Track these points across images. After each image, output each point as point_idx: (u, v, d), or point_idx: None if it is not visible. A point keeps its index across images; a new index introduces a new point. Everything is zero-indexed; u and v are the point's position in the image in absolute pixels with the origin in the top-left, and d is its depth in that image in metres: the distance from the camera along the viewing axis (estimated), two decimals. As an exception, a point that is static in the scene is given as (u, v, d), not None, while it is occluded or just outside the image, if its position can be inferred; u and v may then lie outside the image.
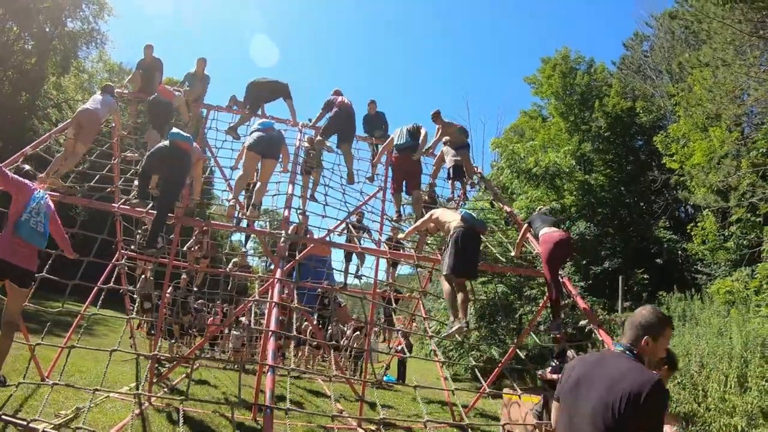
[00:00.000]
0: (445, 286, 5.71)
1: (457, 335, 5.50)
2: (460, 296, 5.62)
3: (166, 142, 5.95)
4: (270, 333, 4.94)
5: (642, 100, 21.39)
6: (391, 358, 12.60)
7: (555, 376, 6.09)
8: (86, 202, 6.48)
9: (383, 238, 8.84)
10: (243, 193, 7.70)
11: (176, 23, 68.15)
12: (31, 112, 22.83)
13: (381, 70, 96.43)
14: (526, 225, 6.83)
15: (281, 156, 7.21)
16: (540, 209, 7.30)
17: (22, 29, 23.07)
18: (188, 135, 6.15)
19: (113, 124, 8.31)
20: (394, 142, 7.72)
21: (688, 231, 16.71)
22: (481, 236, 6.03)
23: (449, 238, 5.66)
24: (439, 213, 6.25)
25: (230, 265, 10.25)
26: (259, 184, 6.82)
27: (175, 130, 6.11)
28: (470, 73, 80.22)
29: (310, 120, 9.14)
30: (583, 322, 6.14)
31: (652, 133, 19.89)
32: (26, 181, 4.89)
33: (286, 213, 7.06)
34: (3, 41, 22.67)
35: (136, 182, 6.87)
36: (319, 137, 8.16)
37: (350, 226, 9.22)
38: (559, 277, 6.31)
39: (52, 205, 5.01)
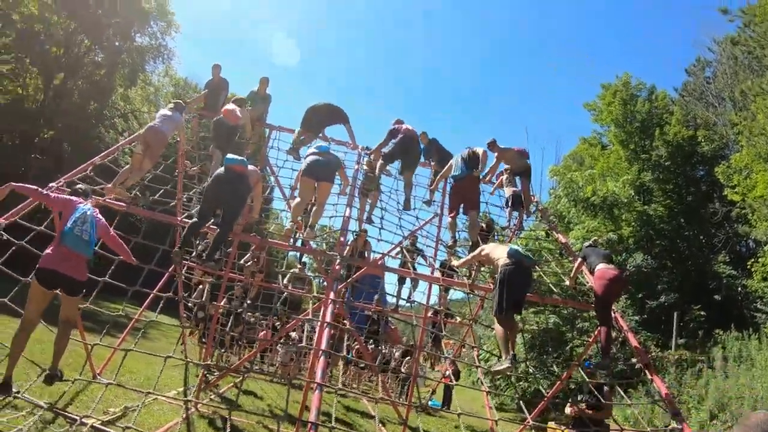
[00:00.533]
0: (497, 326, 5.67)
1: (506, 372, 5.45)
2: (511, 332, 5.62)
3: (222, 168, 6.06)
4: (320, 352, 5.02)
5: (704, 128, 20.62)
6: (437, 384, 12.40)
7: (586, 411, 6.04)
8: (149, 214, 6.66)
9: (437, 264, 8.75)
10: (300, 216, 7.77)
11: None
12: (99, 121, 24.04)
13: (435, 96, 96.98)
14: (580, 259, 6.67)
15: (340, 178, 7.24)
16: (594, 239, 7.18)
17: (93, 42, 24.43)
18: (242, 158, 6.24)
19: (178, 139, 8.55)
20: (452, 172, 7.67)
21: (749, 267, 15.91)
22: (531, 270, 5.94)
23: (497, 276, 5.63)
24: (489, 249, 6.19)
25: (287, 277, 10.35)
26: (316, 206, 6.83)
27: (230, 156, 6.20)
28: (529, 100, 79.80)
29: (368, 148, 9.23)
30: (633, 360, 6.01)
31: (714, 162, 19.12)
32: (72, 197, 5.01)
33: (342, 236, 7.14)
34: (75, 53, 24.08)
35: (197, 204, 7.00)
36: (381, 161, 8.13)
37: (404, 249, 9.19)
38: (612, 312, 6.20)
39: (101, 218, 5.07)
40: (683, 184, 20.10)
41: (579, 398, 6.31)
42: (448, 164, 7.95)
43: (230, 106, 8.04)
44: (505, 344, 5.51)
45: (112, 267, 5.73)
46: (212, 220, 6.34)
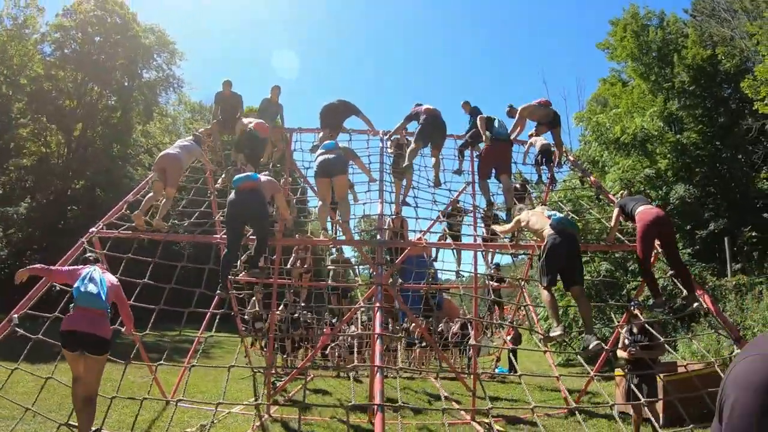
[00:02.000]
0: (544, 294, 5.65)
1: (559, 339, 5.68)
2: (580, 307, 5.63)
3: (232, 192, 6.16)
4: (376, 336, 5.15)
5: (722, 45, 19.74)
6: (500, 351, 12.42)
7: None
8: (189, 238, 6.93)
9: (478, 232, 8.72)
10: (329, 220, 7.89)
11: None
12: (125, 161, 24.74)
13: (442, 63, 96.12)
14: (617, 209, 6.58)
15: (357, 167, 7.38)
16: (622, 192, 7.15)
17: (102, 88, 25.13)
18: (249, 174, 6.35)
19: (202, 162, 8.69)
20: (494, 128, 7.65)
21: (793, 178, 15.29)
22: (576, 237, 5.79)
23: (543, 246, 5.59)
24: (527, 217, 6.13)
25: (329, 260, 10.51)
26: (339, 203, 6.88)
27: (237, 176, 6.32)
28: (541, 50, 78.18)
29: (387, 132, 9.27)
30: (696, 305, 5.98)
31: (738, 78, 18.25)
32: (77, 266, 5.07)
33: (380, 220, 7.25)
34: (88, 101, 24.81)
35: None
36: (413, 145, 8.14)
37: (445, 215, 9.32)
38: (677, 257, 6.23)
39: (114, 280, 5.09)
40: (712, 107, 19.37)
41: (630, 340, 6.27)
42: (485, 118, 7.92)
43: (256, 120, 8.25)
44: (554, 312, 5.57)
45: (164, 295, 5.96)
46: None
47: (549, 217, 5.77)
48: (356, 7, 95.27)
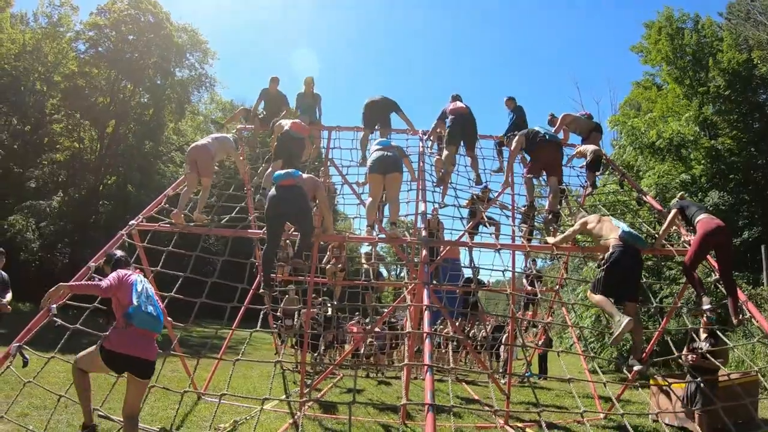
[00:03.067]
0: (596, 299, 5.45)
1: (628, 330, 5.17)
2: (633, 327, 5.31)
3: (272, 188, 6.05)
4: (425, 335, 4.93)
5: (758, 49, 19.39)
6: (532, 354, 12.34)
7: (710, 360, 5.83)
8: (231, 233, 6.95)
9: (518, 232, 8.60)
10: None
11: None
12: (157, 158, 25.17)
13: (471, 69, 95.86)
14: (675, 209, 6.35)
15: (406, 169, 7.11)
16: (682, 194, 6.92)
17: (135, 85, 25.60)
18: (289, 170, 6.22)
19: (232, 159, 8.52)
20: (540, 133, 7.46)
21: (829, 186, 14.92)
22: (641, 255, 5.62)
23: (606, 255, 5.41)
24: (594, 223, 5.91)
25: (363, 257, 10.45)
26: (390, 202, 6.79)
27: (276, 172, 6.23)
28: (573, 55, 77.57)
29: (425, 132, 9.23)
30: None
31: (774, 83, 18.00)
32: (119, 272, 4.43)
33: (419, 222, 7.23)
34: (120, 99, 25.32)
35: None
36: (445, 151, 7.97)
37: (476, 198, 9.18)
38: (731, 275, 5.97)
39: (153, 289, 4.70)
40: (747, 112, 18.98)
41: (696, 345, 6.16)
42: (516, 140, 7.69)
43: (292, 120, 7.98)
44: (610, 309, 5.31)
45: (206, 289, 6.00)
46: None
47: (617, 227, 5.59)
48: (378, 6, 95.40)
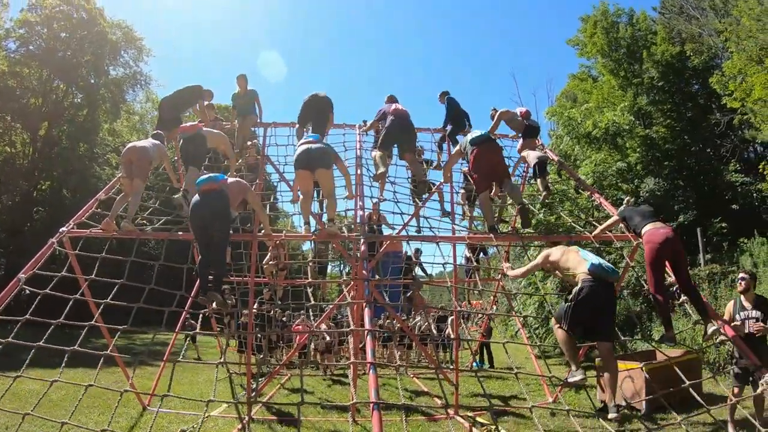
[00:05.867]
0: (559, 334, 5.08)
1: (580, 384, 4.98)
2: (607, 368, 5.05)
3: (196, 196, 5.68)
4: (367, 332, 4.86)
5: (690, 41, 20.28)
6: (478, 344, 12.46)
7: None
8: (166, 236, 6.64)
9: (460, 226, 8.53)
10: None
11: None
12: (92, 161, 24.10)
13: (410, 64, 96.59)
14: (617, 218, 6.11)
15: (339, 169, 6.76)
16: (628, 200, 6.59)
17: (68, 85, 24.41)
18: (211, 175, 5.87)
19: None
20: (469, 138, 6.94)
21: (761, 171, 15.77)
22: (613, 287, 5.22)
23: (575, 291, 4.95)
24: (557, 256, 5.33)
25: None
26: (326, 198, 6.46)
27: (200, 177, 5.89)
28: (511, 47, 79.27)
29: (364, 122, 9.10)
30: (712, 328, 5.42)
31: (706, 74, 18.87)
32: None
33: (359, 214, 7.08)
34: (53, 99, 24.11)
35: None
36: (377, 151, 7.64)
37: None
38: (689, 280, 5.56)
39: None
40: (680, 102, 19.90)
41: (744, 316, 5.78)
42: (456, 150, 7.43)
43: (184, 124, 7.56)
44: (572, 351, 5.00)
45: (143, 295, 5.65)
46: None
47: (585, 260, 5.08)
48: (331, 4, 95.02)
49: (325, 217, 6.68)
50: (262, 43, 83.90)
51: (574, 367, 4.94)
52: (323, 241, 6.85)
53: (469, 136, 6.92)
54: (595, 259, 5.01)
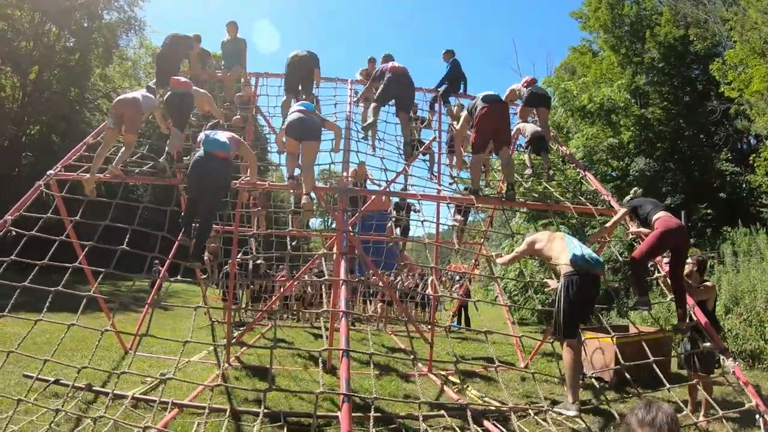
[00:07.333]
0: (566, 356, 4.72)
1: (573, 420, 4.71)
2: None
3: (201, 153, 5.58)
4: (341, 282, 4.94)
5: (695, 26, 20.10)
6: (458, 305, 12.62)
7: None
8: (150, 180, 6.62)
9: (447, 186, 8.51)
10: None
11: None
12: (82, 106, 23.69)
13: (406, 32, 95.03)
14: (625, 210, 5.94)
15: (327, 128, 6.69)
16: (636, 190, 6.41)
17: (61, 28, 23.80)
18: (222, 141, 5.71)
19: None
20: (481, 95, 6.68)
21: (751, 162, 15.89)
22: (599, 279, 4.94)
23: (558, 287, 4.75)
24: (542, 245, 5.13)
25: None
26: (304, 170, 6.29)
27: (210, 137, 5.73)
28: (512, 14, 77.92)
29: (352, 82, 8.94)
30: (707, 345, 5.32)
31: (708, 61, 18.77)
32: None
33: (345, 171, 7.06)
34: (45, 43, 23.50)
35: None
36: (373, 104, 7.52)
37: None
38: (681, 274, 5.48)
39: None
40: (679, 85, 19.84)
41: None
42: (463, 117, 7.18)
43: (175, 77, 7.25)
44: (575, 380, 4.69)
45: (126, 239, 5.58)
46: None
47: (567, 248, 4.81)
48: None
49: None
50: (258, 10, 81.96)
51: (571, 399, 4.60)
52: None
53: (481, 94, 6.69)
54: (578, 249, 4.72)
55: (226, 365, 7.43)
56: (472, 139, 6.71)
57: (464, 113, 7.28)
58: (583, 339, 5.37)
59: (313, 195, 6.25)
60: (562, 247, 4.85)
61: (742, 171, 17.64)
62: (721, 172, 18.06)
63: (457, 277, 12.84)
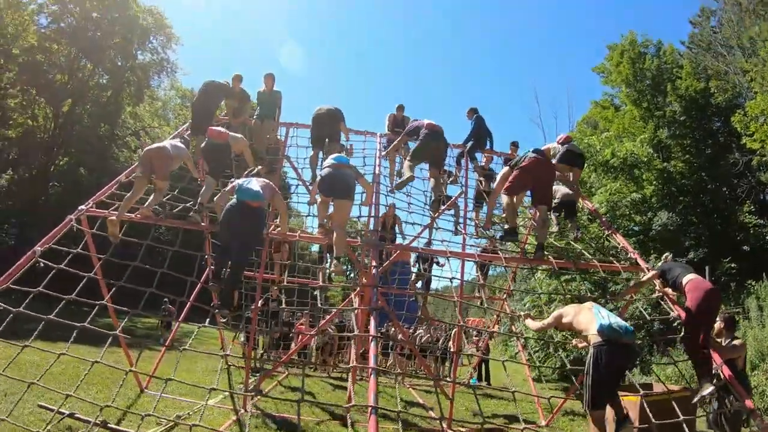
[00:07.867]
0: (592, 426, 4.76)
1: None
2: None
3: (234, 201, 5.64)
4: (371, 338, 4.87)
5: (715, 78, 20.28)
6: (478, 360, 12.46)
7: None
8: (179, 224, 6.74)
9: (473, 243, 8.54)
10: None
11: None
12: (111, 142, 24.34)
13: (428, 77, 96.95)
14: (655, 272, 5.92)
15: (360, 189, 6.67)
16: (666, 256, 6.32)
17: (96, 65, 24.72)
18: (257, 190, 5.73)
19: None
20: (532, 149, 6.75)
21: (775, 214, 15.72)
22: (632, 347, 4.78)
23: (588, 358, 4.62)
24: (570, 318, 5.03)
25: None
26: (335, 234, 6.16)
27: (244, 186, 5.78)
28: (536, 68, 79.34)
29: (382, 135, 9.11)
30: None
31: (729, 113, 18.83)
32: None
33: (376, 222, 7.12)
34: (79, 78, 24.38)
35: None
36: (408, 162, 7.54)
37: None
38: (710, 337, 5.34)
39: None
40: (701, 138, 19.84)
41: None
42: (501, 174, 7.11)
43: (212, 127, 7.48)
44: None
45: (155, 281, 5.73)
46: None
47: (595, 318, 4.73)
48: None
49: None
50: (284, 35, 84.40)
51: None
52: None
53: (531, 148, 6.72)
54: (606, 320, 4.61)
55: (242, 411, 7.36)
56: (509, 182, 6.62)
57: (505, 168, 7.19)
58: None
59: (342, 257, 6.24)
60: (590, 318, 4.75)
61: (765, 223, 17.44)
62: (744, 225, 17.85)
63: (475, 333, 12.70)
